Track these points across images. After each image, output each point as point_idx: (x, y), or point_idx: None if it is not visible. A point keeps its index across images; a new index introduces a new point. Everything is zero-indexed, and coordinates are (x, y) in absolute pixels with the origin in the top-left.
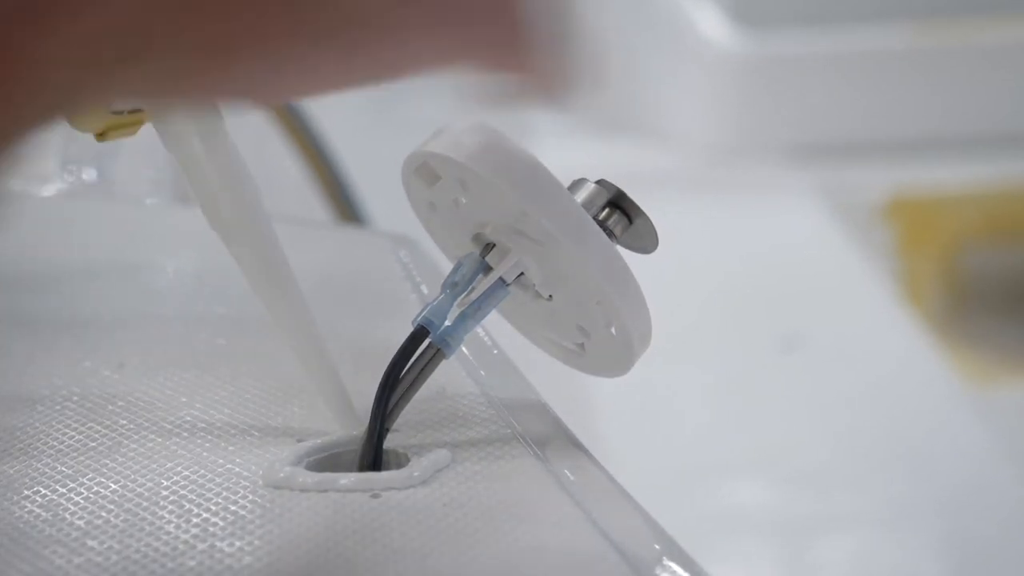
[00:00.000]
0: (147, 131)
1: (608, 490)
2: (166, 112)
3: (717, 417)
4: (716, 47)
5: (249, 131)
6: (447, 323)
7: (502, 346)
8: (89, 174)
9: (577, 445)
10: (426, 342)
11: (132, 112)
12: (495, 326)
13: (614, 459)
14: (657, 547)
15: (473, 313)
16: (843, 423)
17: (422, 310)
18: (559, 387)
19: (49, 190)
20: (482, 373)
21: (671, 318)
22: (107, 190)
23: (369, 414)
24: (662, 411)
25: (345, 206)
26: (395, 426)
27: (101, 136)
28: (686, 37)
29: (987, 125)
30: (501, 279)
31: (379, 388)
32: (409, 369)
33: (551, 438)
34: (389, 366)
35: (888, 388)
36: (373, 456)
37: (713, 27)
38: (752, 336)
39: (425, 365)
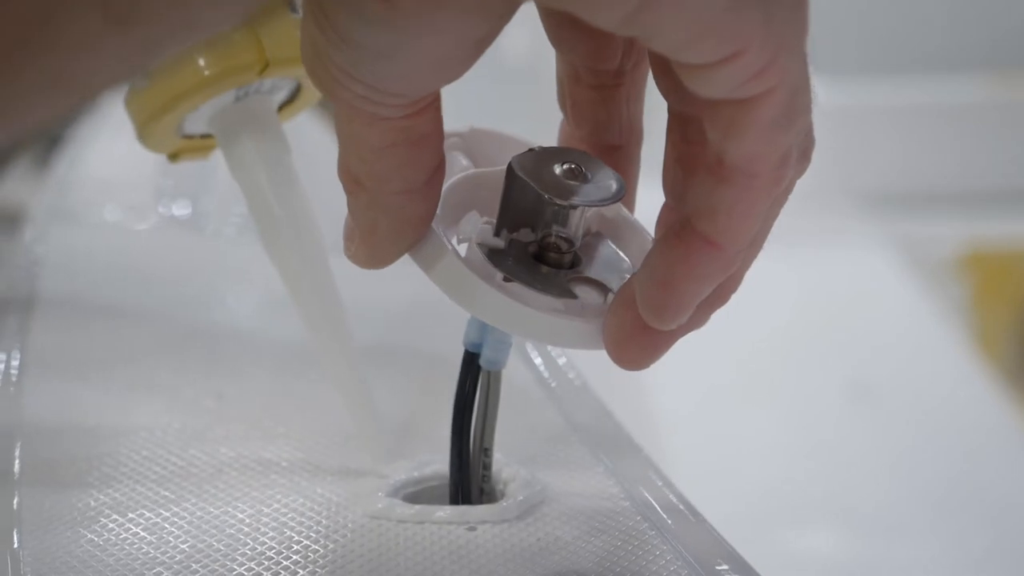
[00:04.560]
0: None
1: (697, 529)
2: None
3: (786, 463)
4: None
5: (325, 165)
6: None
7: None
8: (182, 209)
9: (668, 484)
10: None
11: (204, 137)
12: (587, 367)
13: None
14: None
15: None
16: (913, 473)
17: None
18: (628, 429)
19: (144, 223)
20: (574, 412)
21: (742, 363)
22: (199, 225)
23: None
24: (732, 455)
25: None
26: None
27: (173, 157)
28: None
29: None
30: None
31: (453, 419)
32: (478, 396)
33: (642, 477)
34: (457, 395)
35: (959, 440)
36: (457, 489)
37: None
38: (823, 384)
39: (489, 387)
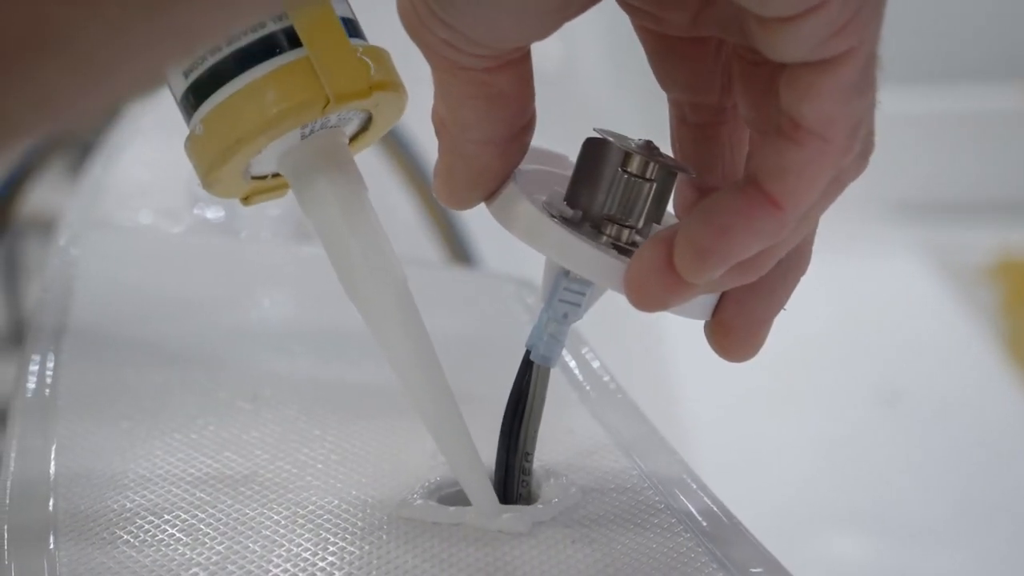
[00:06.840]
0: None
1: (732, 533)
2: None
3: (819, 470)
4: None
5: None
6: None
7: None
8: (216, 213)
9: (703, 488)
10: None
11: (275, 176)
12: (619, 370)
13: None
14: None
15: (554, 315)
16: (945, 480)
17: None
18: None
19: (178, 227)
20: (608, 415)
21: (773, 368)
22: (233, 228)
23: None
24: (764, 462)
25: (457, 245)
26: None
27: (246, 201)
28: None
29: None
30: (563, 272)
31: (504, 419)
32: (529, 395)
33: (677, 480)
34: (511, 395)
35: (989, 445)
36: (504, 487)
37: None
38: (856, 391)
39: (536, 384)
